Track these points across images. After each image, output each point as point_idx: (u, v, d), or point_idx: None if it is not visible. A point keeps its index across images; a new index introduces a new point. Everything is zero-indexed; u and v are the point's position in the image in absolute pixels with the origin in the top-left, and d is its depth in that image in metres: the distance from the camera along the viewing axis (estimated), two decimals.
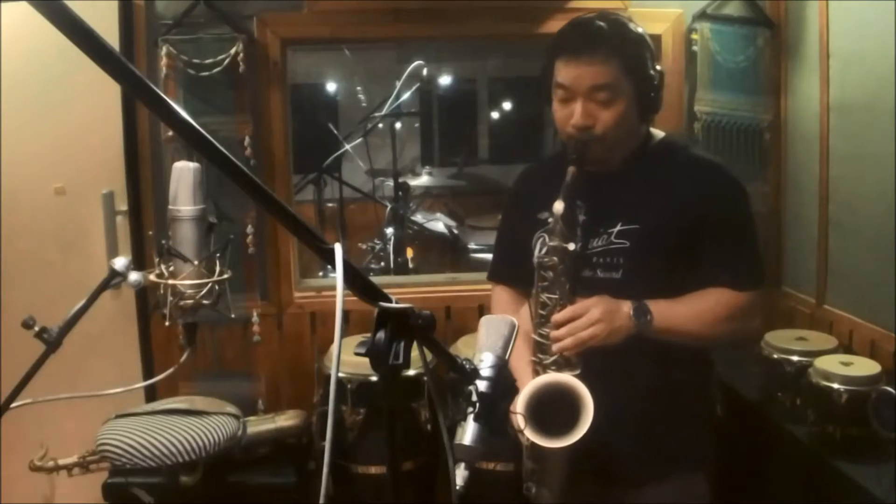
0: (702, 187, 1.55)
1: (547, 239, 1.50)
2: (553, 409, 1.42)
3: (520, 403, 1.41)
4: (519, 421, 1.33)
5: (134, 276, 1.80)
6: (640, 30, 1.54)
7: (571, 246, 1.50)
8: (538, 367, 1.53)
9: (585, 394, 1.41)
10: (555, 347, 1.47)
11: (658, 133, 1.67)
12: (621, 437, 1.54)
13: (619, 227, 1.55)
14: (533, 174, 1.84)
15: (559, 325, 1.47)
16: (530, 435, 1.42)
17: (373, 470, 2.37)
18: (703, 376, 1.72)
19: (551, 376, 1.48)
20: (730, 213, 1.58)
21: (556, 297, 1.51)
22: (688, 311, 1.53)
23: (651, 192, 1.56)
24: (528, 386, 1.46)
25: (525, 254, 1.62)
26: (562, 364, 1.49)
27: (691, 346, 1.58)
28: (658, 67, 1.54)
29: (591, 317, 1.45)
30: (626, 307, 1.48)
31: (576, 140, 1.51)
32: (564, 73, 1.50)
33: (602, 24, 1.51)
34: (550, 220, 1.50)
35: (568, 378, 1.45)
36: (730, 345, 1.75)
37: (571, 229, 1.55)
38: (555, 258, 1.50)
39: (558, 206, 1.47)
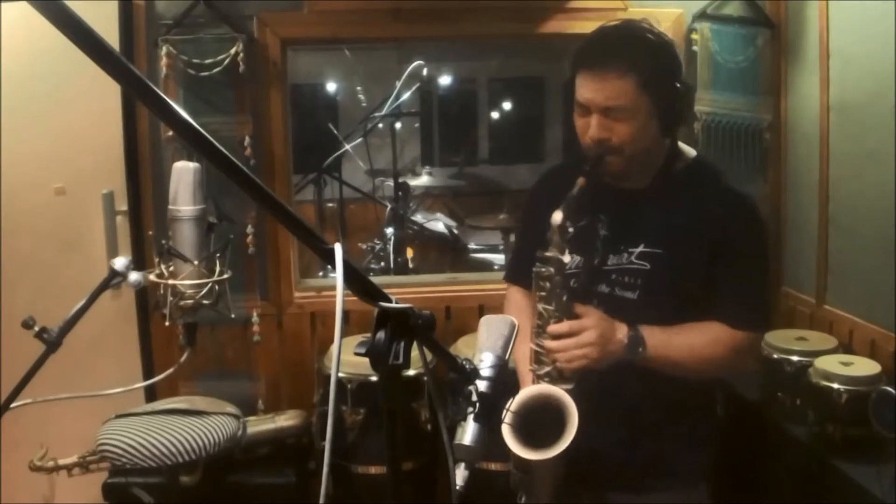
0: (724, 220, 1.52)
1: (546, 249, 1.47)
2: (540, 421, 1.39)
3: (505, 413, 1.40)
4: (505, 416, 1.32)
5: (134, 276, 1.80)
6: (664, 39, 1.48)
7: (567, 258, 1.47)
8: (534, 378, 1.51)
9: (572, 408, 1.39)
10: (550, 358, 1.46)
11: (688, 151, 1.62)
12: (619, 451, 1.53)
13: (641, 249, 1.53)
14: (553, 177, 1.78)
15: (554, 337, 1.46)
16: (513, 446, 1.40)
17: (373, 470, 2.37)
18: (704, 389, 1.69)
19: (540, 388, 1.46)
20: (745, 249, 1.54)
21: (552, 308, 1.48)
22: (683, 345, 1.50)
23: (677, 217, 1.53)
24: (517, 396, 1.44)
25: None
26: (555, 377, 1.47)
27: (680, 374, 1.53)
28: (685, 80, 1.49)
29: (586, 338, 1.43)
30: (622, 334, 1.46)
31: (592, 152, 1.48)
32: (581, 88, 1.47)
33: (621, 37, 1.47)
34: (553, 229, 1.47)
35: (555, 391, 1.43)
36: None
37: (591, 242, 1.53)
38: (551, 269, 1.47)
39: (557, 217, 1.44)
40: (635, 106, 1.44)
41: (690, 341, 1.51)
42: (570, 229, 1.48)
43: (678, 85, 1.47)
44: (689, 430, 1.60)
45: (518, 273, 1.78)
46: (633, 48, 1.45)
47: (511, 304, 1.77)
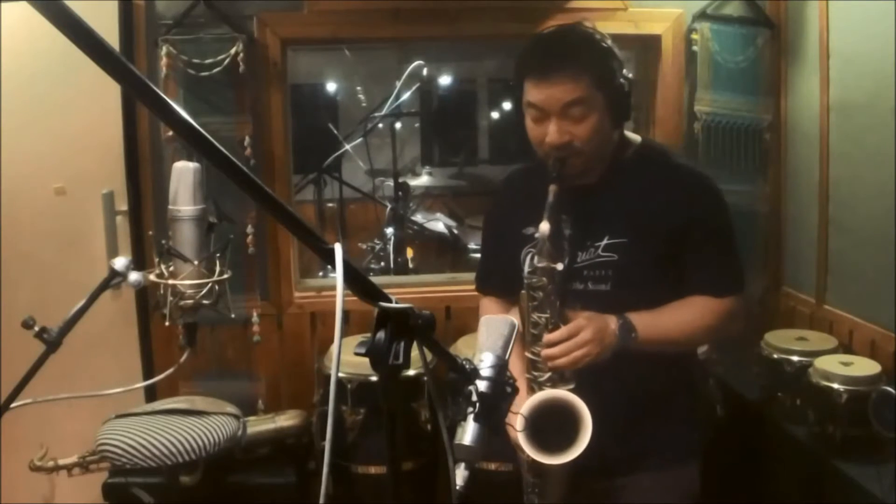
0: (683, 196, 1.57)
1: (535, 259, 1.50)
2: (551, 425, 1.42)
3: (519, 419, 1.40)
4: (517, 423, 1.33)
5: (134, 276, 1.80)
6: (607, 41, 1.53)
7: (560, 266, 1.50)
8: (533, 385, 1.53)
9: (583, 408, 1.41)
10: (549, 365, 1.48)
11: (634, 138, 1.66)
12: (613, 435, 1.54)
13: (606, 241, 1.56)
14: (515, 184, 1.82)
15: (552, 345, 1.48)
16: (531, 452, 1.43)
17: (373, 470, 2.37)
18: (691, 371, 1.74)
19: (548, 393, 1.48)
20: (710, 220, 1.59)
21: (547, 315, 1.51)
22: (671, 322, 1.55)
23: (635, 203, 1.57)
24: (526, 403, 1.46)
25: (510, 264, 1.62)
26: (557, 380, 1.50)
27: (675, 351, 1.61)
28: (628, 75, 1.54)
29: (584, 337, 1.46)
30: (613, 324, 1.49)
31: (554, 158, 1.51)
32: (535, 93, 1.50)
33: (569, 40, 1.52)
34: (537, 235, 1.49)
35: (564, 394, 1.46)
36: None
37: (558, 244, 1.55)
38: (543, 278, 1.50)
39: (544, 227, 1.46)
40: (592, 102, 1.48)
41: (678, 317, 1.56)
42: (536, 235, 1.50)
43: (623, 80, 1.52)
44: (677, 411, 1.65)
45: (490, 282, 1.82)
46: (584, 49, 1.50)
47: (486, 313, 1.77)
